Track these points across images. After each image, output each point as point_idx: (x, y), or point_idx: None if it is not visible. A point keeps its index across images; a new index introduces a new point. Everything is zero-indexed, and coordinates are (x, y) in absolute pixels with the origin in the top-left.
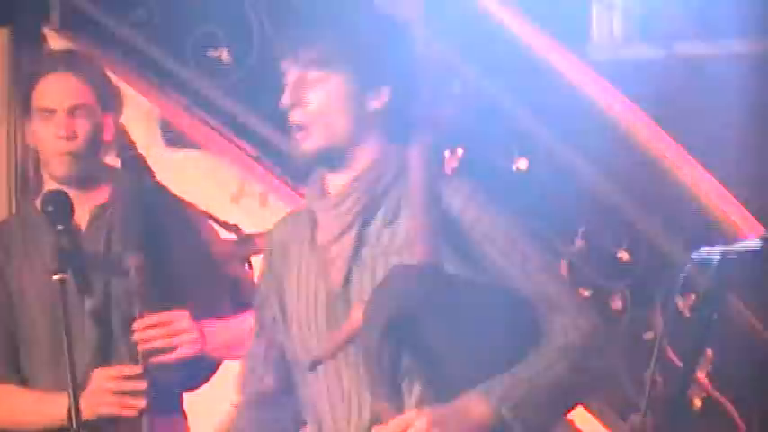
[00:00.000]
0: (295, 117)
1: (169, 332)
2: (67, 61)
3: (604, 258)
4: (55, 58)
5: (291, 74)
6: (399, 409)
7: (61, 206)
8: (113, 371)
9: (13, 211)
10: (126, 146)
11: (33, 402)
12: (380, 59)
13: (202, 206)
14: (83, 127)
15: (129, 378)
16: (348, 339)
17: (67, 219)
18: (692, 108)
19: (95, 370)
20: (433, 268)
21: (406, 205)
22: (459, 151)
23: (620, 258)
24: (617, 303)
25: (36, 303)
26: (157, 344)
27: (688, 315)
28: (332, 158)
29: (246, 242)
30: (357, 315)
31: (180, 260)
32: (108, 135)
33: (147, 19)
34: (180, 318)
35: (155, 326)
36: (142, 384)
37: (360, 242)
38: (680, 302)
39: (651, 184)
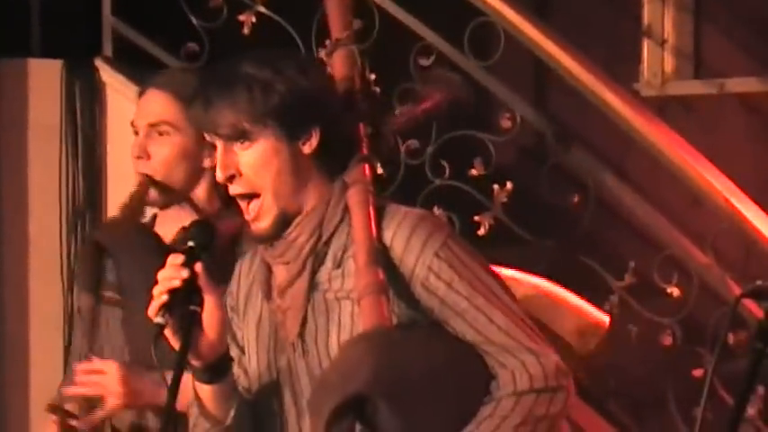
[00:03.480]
0: (236, 189)
1: (96, 382)
2: (164, 79)
3: (655, 294)
4: (157, 76)
5: (218, 145)
6: None
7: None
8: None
9: (65, 242)
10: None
11: None
12: (298, 103)
13: None
14: (159, 147)
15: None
16: None
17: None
18: (743, 145)
19: None
20: (385, 336)
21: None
22: (509, 185)
23: (671, 294)
24: (667, 339)
25: None
26: (84, 390)
27: (739, 351)
28: (288, 221)
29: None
30: None
31: None
32: (209, 161)
33: (198, 52)
34: (108, 369)
35: (88, 372)
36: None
37: (312, 288)
38: (731, 338)
39: (702, 219)
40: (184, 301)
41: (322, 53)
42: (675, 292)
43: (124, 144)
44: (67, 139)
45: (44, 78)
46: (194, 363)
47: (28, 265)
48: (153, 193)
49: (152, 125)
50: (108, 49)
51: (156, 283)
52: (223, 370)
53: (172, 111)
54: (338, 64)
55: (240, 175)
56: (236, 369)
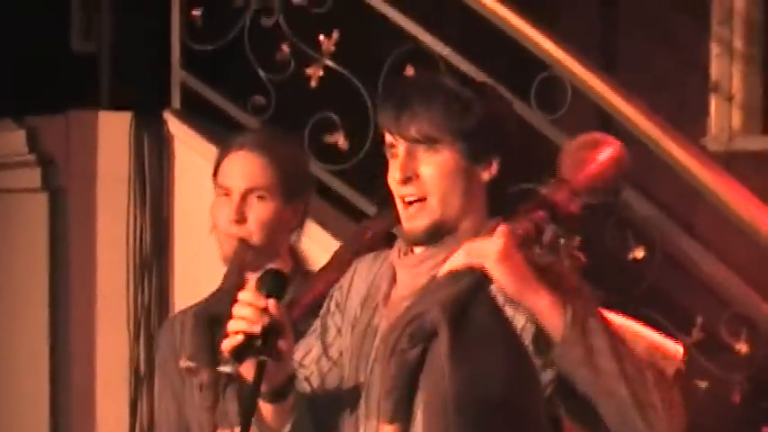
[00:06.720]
0: (408, 191)
1: None
2: (257, 141)
3: (722, 350)
4: (246, 136)
5: (400, 145)
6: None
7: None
8: None
9: (131, 293)
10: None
11: None
12: (490, 130)
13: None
14: (257, 212)
15: None
16: None
17: None
18: None
19: None
20: (453, 280)
21: None
22: (576, 239)
23: (739, 350)
24: (735, 396)
25: None
26: None
27: None
28: (441, 233)
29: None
30: None
31: None
32: (293, 222)
33: (265, 104)
34: None
35: None
36: None
37: None
38: None
39: None
40: (257, 350)
41: (543, 187)
42: (744, 348)
43: (191, 196)
44: (136, 191)
45: (113, 130)
46: (261, 388)
47: (95, 315)
48: (249, 257)
49: (249, 190)
50: (176, 102)
51: None
52: (287, 391)
53: (268, 175)
54: (554, 195)
55: (417, 178)
56: (313, 366)
